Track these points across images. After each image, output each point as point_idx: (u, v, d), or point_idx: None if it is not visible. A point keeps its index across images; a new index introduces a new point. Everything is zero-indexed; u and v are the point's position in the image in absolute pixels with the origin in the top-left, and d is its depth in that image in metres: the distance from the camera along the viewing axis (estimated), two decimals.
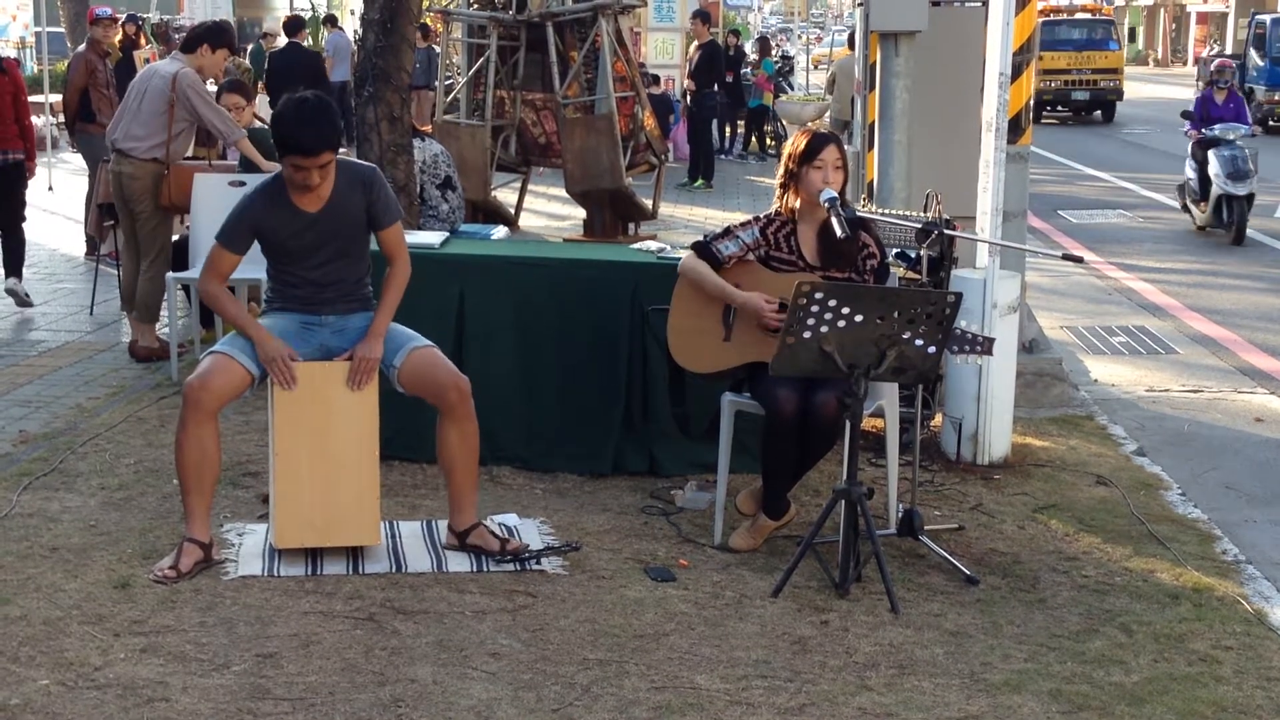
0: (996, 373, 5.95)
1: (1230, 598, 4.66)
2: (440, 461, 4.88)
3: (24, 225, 9.16)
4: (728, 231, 5.08)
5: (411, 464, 5.75)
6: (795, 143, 5.02)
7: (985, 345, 4.78)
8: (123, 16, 12.72)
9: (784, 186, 5.03)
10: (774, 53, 24.87)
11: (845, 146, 5.08)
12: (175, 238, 8.04)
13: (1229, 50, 50.43)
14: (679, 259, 5.63)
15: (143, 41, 14.72)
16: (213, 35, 7.66)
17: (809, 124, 19.45)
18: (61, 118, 13.85)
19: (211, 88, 9.91)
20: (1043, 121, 27.09)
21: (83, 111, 10.37)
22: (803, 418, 4.76)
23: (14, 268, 9.15)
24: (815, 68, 30.43)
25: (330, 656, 4.06)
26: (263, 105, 11.64)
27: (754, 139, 20.80)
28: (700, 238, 5.20)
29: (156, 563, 4.67)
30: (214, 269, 4.80)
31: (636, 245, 6.49)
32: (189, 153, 9.26)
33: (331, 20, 23.69)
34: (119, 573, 4.62)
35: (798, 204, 4.99)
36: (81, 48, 10.74)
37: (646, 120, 11.78)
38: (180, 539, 4.73)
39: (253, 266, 5.14)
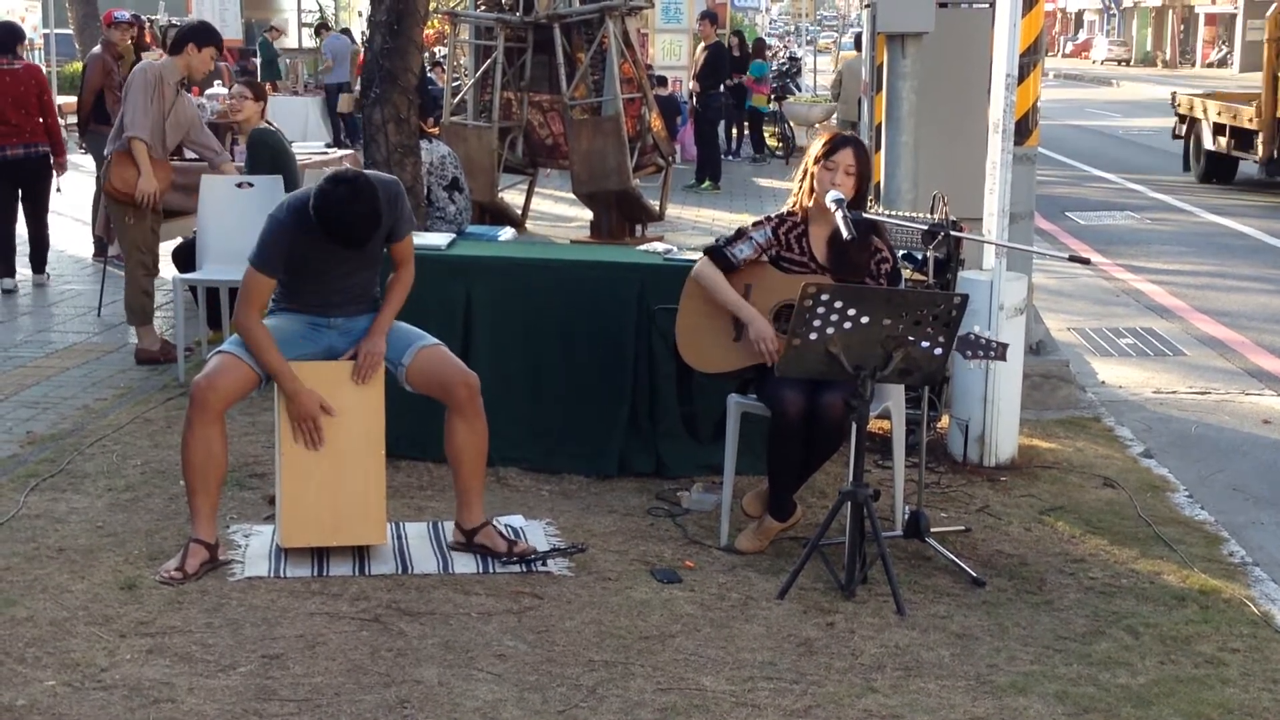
0: (1003, 374, 5.94)
1: (1237, 600, 4.65)
2: (449, 458, 4.87)
3: (48, 220, 9.91)
4: (741, 234, 5.06)
5: (418, 465, 5.75)
6: (818, 141, 5.04)
7: (999, 351, 4.76)
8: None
9: (801, 184, 5.03)
10: (781, 54, 24.86)
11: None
12: (179, 240, 8.07)
13: (1237, 52, 50.35)
14: (686, 261, 5.64)
15: (149, 41, 14.73)
16: (198, 35, 7.66)
17: (816, 125, 19.48)
18: (70, 119, 13.90)
19: (220, 89, 9.95)
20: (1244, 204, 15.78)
21: (97, 113, 10.42)
22: (809, 419, 4.75)
23: (39, 264, 9.87)
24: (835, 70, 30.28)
25: (336, 657, 4.06)
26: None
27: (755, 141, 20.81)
28: (713, 241, 5.19)
29: (163, 564, 4.67)
30: (253, 299, 4.64)
31: (643, 247, 6.50)
32: (189, 155, 9.27)
33: (327, 25, 24.16)
34: (125, 574, 4.63)
35: (810, 203, 4.99)
36: (97, 50, 10.78)
37: (653, 122, 11.79)
38: (186, 540, 4.74)
39: None
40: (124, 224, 7.62)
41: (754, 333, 4.90)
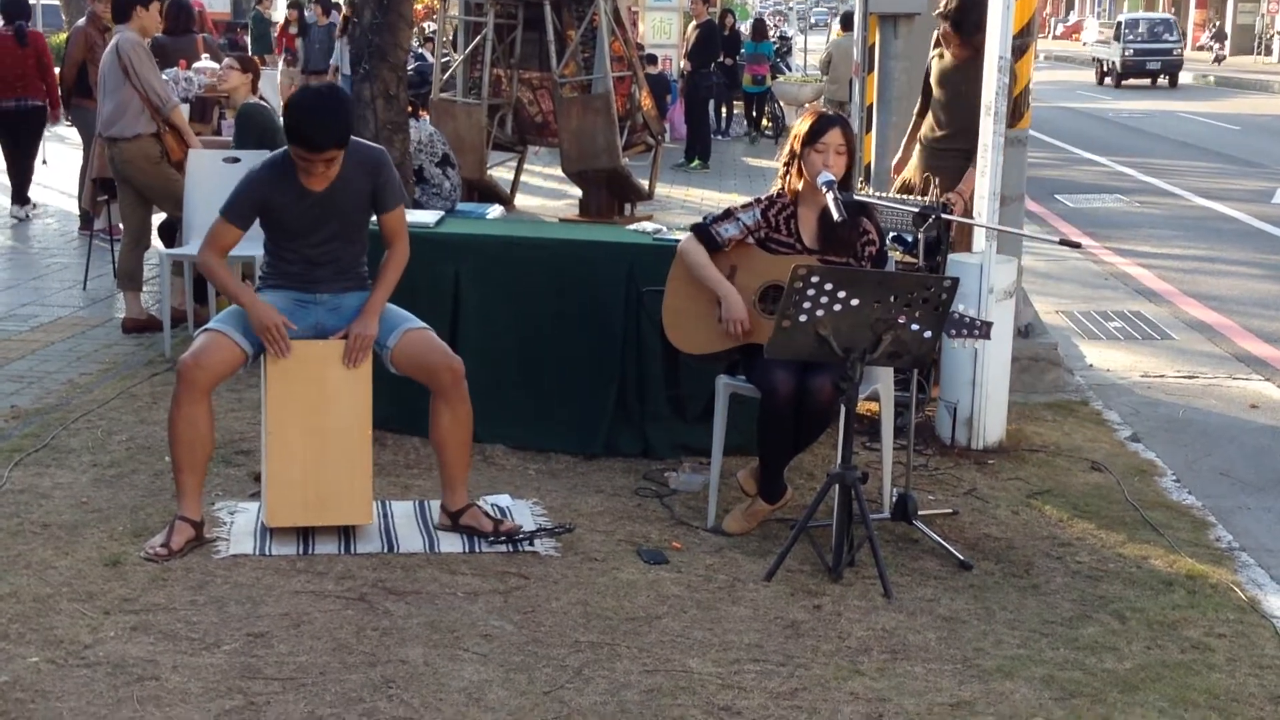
0: (992, 357, 5.94)
1: (1224, 585, 4.65)
2: (432, 442, 4.86)
3: (34, 160, 11.42)
4: (728, 214, 5.04)
5: (404, 443, 5.72)
6: (801, 123, 4.99)
7: (984, 330, 4.76)
8: None
9: (787, 166, 5.00)
10: (773, 33, 24.78)
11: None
12: (165, 216, 8.05)
13: (1228, 35, 50.36)
14: (675, 240, 5.62)
15: None
16: None
17: (806, 105, 19.42)
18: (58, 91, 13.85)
19: (208, 63, 9.89)
20: None
21: (79, 86, 10.36)
22: (798, 401, 4.74)
23: (20, 196, 11.21)
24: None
25: (321, 636, 4.05)
26: None
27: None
28: (701, 219, 5.17)
29: (148, 540, 4.65)
30: (215, 243, 4.75)
31: (632, 226, 6.47)
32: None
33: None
34: (110, 550, 4.61)
35: (800, 185, 4.96)
36: (81, 22, 10.71)
37: (643, 100, 11.74)
38: (172, 517, 4.72)
39: (248, 244, 5.11)
40: (179, 186, 7.65)
41: (726, 310, 4.88)
